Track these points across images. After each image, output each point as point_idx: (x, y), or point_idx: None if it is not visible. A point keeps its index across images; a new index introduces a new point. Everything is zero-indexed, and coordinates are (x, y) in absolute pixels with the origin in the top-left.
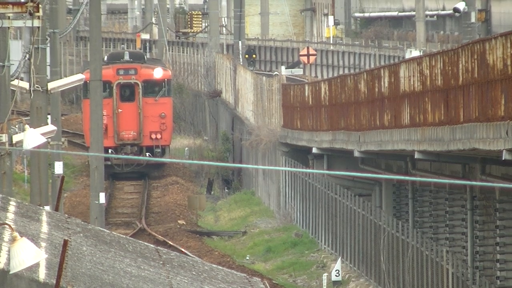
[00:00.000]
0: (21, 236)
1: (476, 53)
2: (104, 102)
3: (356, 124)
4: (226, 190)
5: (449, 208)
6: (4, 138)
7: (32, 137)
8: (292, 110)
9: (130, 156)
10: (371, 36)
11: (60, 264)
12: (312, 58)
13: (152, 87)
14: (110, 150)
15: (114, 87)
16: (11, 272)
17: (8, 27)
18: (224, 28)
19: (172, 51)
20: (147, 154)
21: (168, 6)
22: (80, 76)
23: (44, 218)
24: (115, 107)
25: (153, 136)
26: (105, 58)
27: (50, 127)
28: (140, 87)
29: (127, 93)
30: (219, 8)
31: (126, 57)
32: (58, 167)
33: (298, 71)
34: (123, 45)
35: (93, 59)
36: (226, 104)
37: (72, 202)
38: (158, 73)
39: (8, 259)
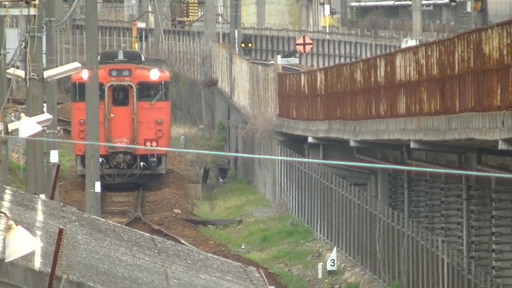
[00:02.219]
0: (17, 225)
1: (472, 42)
2: None
3: (352, 114)
4: (221, 180)
5: (444, 198)
6: (0, 126)
7: (28, 126)
8: (288, 99)
9: (127, 145)
10: (367, 26)
11: (55, 253)
12: (308, 47)
13: (148, 90)
14: (100, 159)
15: (106, 90)
16: (6, 261)
17: (4, 15)
18: (220, 17)
19: (168, 40)
20: (142, 163)
21: None
22: (76, 64)
23: (39, 206)
24: (107, 112)
25: (148, 144)
26: (98, 58)
27: (46, 115)
28: (135, 90)
29: (120, 96)
30: None
31: (120, 57)
32: (54, 156)
33: (294, 60)
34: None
35: (89, 48)
36: (222, 93)
37: (67, 191)
38: (154, 74)
39: (4, 248)
